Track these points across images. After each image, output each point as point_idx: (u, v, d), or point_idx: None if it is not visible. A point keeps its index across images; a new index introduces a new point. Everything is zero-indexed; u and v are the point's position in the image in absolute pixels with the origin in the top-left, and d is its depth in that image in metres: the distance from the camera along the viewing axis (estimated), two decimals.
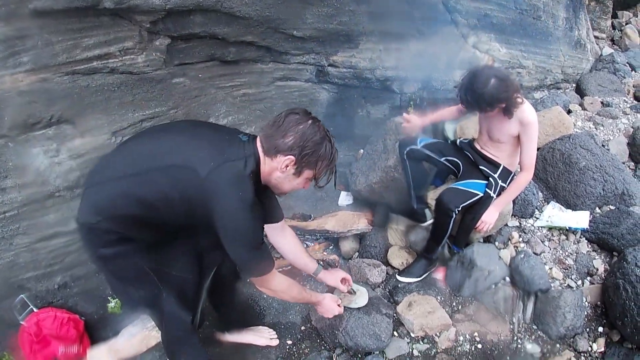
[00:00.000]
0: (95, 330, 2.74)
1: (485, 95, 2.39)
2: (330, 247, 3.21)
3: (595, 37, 6.32)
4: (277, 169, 1.66)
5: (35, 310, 2.64)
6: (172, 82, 2.79)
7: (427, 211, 3.08)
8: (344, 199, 3.53)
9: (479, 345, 2.60)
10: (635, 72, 5.58)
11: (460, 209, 2.68)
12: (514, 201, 3.03)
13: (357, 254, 3.20)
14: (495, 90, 2.38)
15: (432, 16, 3.54)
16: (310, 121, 1.63)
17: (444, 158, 2.93)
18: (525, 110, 2.53)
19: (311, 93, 3.40)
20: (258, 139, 1.67)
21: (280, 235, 2.13)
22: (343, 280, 2.38)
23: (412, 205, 3.06)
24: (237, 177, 1.55)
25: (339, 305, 2.25)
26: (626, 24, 7.39)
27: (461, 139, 3.04)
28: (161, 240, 1.77)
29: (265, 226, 1.99)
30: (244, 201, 1.54)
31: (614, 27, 7.28)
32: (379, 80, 3.47)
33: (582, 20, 5.30)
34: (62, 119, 2.53)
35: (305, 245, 3.13)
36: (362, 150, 3.63)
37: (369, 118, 3.64)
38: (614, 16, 7.45)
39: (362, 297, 2.55)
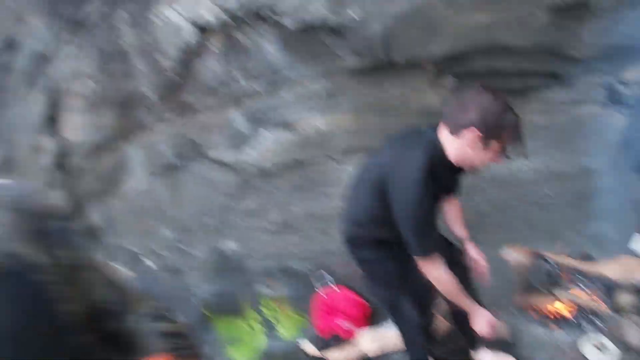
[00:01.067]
0: (379, 320, 3.00)
1: None
2: (601, 296, 2.71)
3: None
4: (466, 146, 1.66)
5: (332, 285, 3.13)
6: None
7: None
8: None
9: None
10: None
11: None
12: None
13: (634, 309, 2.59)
14: None
15: None
16: (490, 92, 1.64)
17: None
18: None
19: (603, 118, 3.05)
20: (441, 122, 1.73)
21: (444, 202, 2.04)
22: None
23: None
24: (414, 162, 1.64)
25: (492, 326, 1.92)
26: None
27: None
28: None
29: None
30: (416, 181, 1.62)
31: None
32: None
33: None
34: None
35: (576, 288, 2.78)
36: None
37: None
38: None
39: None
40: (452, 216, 2.16)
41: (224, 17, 3.00)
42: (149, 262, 3.81)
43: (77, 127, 3.76)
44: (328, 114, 3.14)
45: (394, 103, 3.05)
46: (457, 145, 1.69)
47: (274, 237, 3.43)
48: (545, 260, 2.83)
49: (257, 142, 3.30)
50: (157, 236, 3.76)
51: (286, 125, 3.23)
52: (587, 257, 2.92)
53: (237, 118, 3.31)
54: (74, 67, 3.64)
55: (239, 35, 3.10)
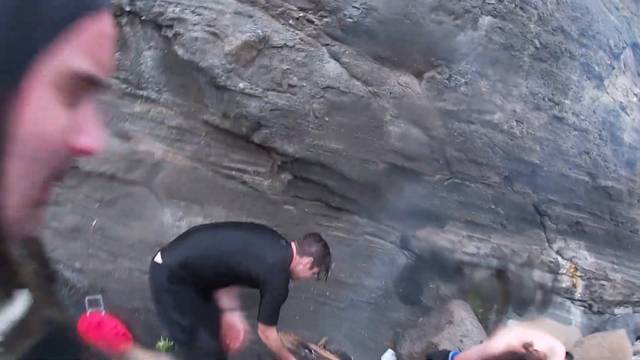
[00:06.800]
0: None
1: None
2: None
3: None
4: (301, 264, 2.57)
5: (103, 312, 2.85)
6: (283, 207, 3.16)
7: None
8: (388, 356, 3.58)
9: None
10: None
11: None
12: None
13: None
14: None
15: (520, 215, 3.57)
16: (323, 241, 2.68)
17: None
18: None
19: (392, 254, 3.53)
20: (293, 244, 2.62)
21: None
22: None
23: None
24: (285, 266, 2.53)
25: None
26: None
27: None
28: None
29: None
30: (287, 280, 2.54)
31: None
32: (454, 262, 3.52)
33: None
34: (195, 200, 3.12)
35: None
36: (421, 319, 3.66)
37: (437, 292, 3.68)
38: None
39: None
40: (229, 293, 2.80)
41: (124, 0, 2.64)
42: None
43: None
44: (169, 148, 3.01)
45: (232, 172, 3.05)
46: (296, 262, 2.59)
47: (58, 239, 3.09)
48: (309, 350, 3.11)
49: None
50: None
51: (123, 138, 2.97)
52: (344, 355, 3.28)
53: None
54: None
55: (125, 26, 2.76)
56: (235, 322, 2.73)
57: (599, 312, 4.31)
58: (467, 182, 3.28)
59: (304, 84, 2.73)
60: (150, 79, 2.87)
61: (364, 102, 2.84)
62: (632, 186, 3.81)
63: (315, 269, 2.64)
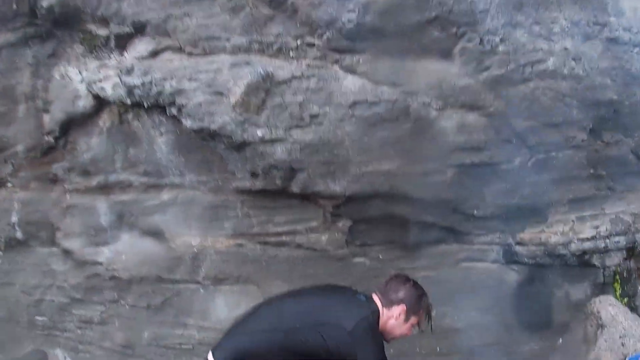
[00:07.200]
0: None
1: None
2: None
3: None
4: (392, 317, 2.03)
5: None
6: (353, 261, 2.85)
7: None
8: None
9: None
10: None
11: None
12: None
13: None
14: None
15: (624, 170, 3.14)
16: (412, 280, 2.11)
17: None
18: None
19: (499, 274, 3.13)
20: (375, 296, 2.07)
21: None
22: None
23: None
24: (372, 327, 1.97)
25: None
26: None
27: None
28: None
29: None
30: (381, 344, 1.97)
31: None
32: (575, 256, 3.04)
33: None
34: (249, 280, 2.90)
35: None
36: (560, 340, 3.19)
37: (568, 300, 3.16)
38: None
39: None
40: None
41: (123, 94, 2.69)
42: None
43: None
44: (206, 232, 2.91)
45: (282, 237, 2.86)
46: (385, 317, 2.04)
47: (112, 357, 3.08)
48: None
49: (118, 244, 2.98)
50: None
51: (156, 234, 2.94)
52: None
53: (102, 210, 2.95)
54: None
55: (133, 121, 2.83)
56: None
57: None
58: (553, 153, 2.90)
59: (327, 110, 2.57)
60: (169, 165, 2.86)
61: (400, 106, 2.60)
62: None
63: (413, 319, 2.06)
